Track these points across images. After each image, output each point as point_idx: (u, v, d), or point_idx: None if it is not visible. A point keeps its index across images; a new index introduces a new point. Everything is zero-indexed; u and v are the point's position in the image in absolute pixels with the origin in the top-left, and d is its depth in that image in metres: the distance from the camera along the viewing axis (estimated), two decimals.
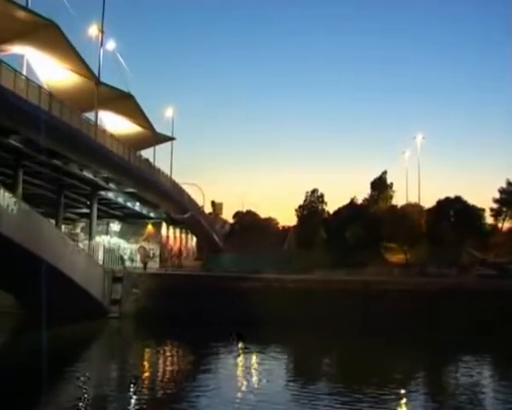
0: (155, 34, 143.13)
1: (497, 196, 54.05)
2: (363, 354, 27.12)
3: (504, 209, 54.08)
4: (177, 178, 59.09)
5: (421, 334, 31.02)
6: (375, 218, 51.10)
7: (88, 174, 34.54)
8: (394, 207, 55.32)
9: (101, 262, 40.28)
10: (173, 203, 48.62)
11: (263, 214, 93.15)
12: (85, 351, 27.46)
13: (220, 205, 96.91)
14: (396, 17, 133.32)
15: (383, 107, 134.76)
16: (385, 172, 65.34)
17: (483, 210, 53.49)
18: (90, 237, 40.40)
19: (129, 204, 47.02)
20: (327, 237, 51.70)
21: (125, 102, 39.48)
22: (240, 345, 26.32)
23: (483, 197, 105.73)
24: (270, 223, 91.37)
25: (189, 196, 54.48)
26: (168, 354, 27.47)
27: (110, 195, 42.43)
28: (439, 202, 49.27)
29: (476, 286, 36.52)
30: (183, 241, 66.03)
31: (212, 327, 32.26)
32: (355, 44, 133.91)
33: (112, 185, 38.60)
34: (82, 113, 33.46)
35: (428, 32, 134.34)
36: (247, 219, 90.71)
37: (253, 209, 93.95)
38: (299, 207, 65.73)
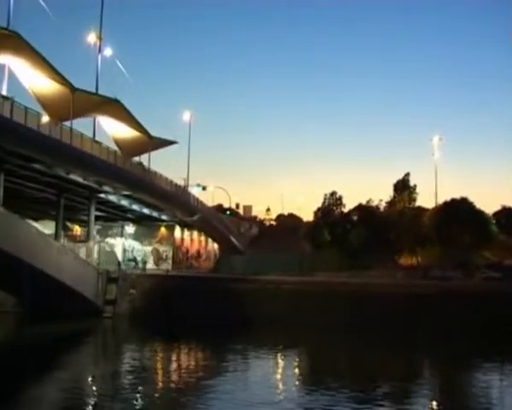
0: (175, 41, 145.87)
1: None
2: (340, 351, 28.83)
3: None
4: (206, 181, 61.35)
5: (401, 336, 31.99)
6: (384, 220, 50.04)
7: (76, 178, 35.52)
8: (404, 209, 53.74)
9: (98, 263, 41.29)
10: (178, 205, 49.08)
11: (307, 217, 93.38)
12: (65, 348, 28.06)
13: (249, 207, 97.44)
14: (417, 19, 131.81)
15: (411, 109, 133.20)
16: (407, 174, 63.40)
17: None
18: (88, 239, 41.45)
19: (135, 207, 47.79)
20: (332, 240, 50.98)
21: (113, 108, 40.22)
22: None
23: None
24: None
25: (197, 199, 54.86)
26: (142, 352, 28.19)
27: (112, 198, 43.22)
28: (446, 204, 47.63)
29: (470, 289, 35.92)
30: (202, 243, 66.80)
31: (200, 328, 32.70)
32: (376, 47, 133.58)
33: (107, 188, 39.45)
34: (67, 119, 34.47)
35: (450, 35, 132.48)
36: (288, 221, 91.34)
37: (296, 213, 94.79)
38: (318, 209, 64.88)
